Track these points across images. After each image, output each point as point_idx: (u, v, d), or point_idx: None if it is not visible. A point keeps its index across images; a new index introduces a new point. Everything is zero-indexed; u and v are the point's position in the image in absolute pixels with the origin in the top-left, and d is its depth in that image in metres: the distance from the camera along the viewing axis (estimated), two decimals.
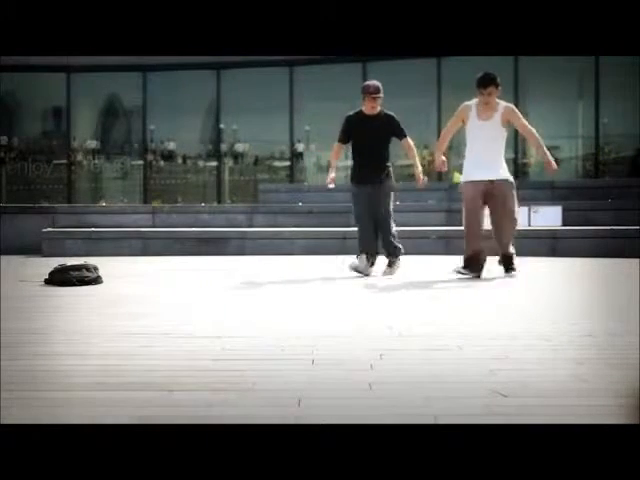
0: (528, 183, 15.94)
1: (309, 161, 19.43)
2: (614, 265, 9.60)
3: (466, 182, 7.83)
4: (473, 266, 7.70)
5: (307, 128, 19.01)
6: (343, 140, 8.45)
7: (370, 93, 8.20)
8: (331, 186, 8.45)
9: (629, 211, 12.37)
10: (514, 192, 7.84)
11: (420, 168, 8.42)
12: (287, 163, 19.42)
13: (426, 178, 8.58)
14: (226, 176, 19.67)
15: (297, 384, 3.21)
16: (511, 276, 7.75)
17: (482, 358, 3.76)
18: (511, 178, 7.96)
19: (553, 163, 7.97)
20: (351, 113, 8.41)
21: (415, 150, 8.43)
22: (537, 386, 3.19)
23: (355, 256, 8.20)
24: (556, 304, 6.09)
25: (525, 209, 12.65)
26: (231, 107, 19.06)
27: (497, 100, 7.83)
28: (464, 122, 7.90)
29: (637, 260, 9.49)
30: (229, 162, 19.70)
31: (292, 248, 11.51)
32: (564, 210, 12.62)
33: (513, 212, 7.85)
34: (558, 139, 17.88)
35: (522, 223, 12.47)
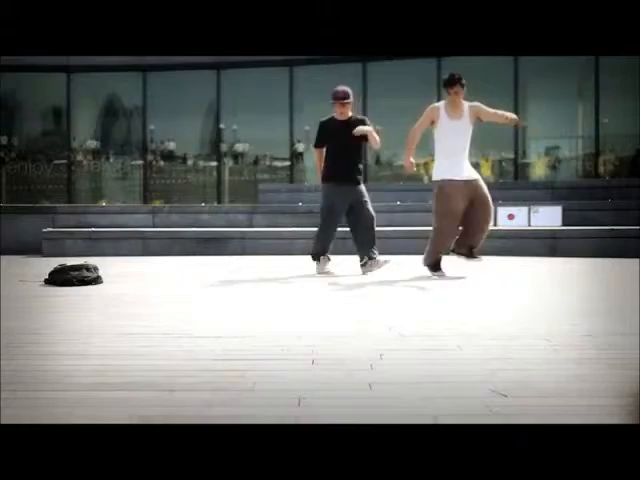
0: (528, 183, 15.95)
1: (309, 161, 19.40)
2: (614, 265, 9.60)
3: (443, 180, 7.92)
4: (437, 266, 8.02)
5: (307, 128, 18.98)
6: (318, 145, 8.61)
7: (338, 99, 8.30)
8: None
9: (629, 211, 12.37)
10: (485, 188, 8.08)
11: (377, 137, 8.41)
12: (287, 163, 19.40)
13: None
14: (226, 176, 19.65)
15: (297, 384, 3.21)
16: (479, 260, 8.10)
17: (482, 358, 3.75)
18: (478, 176, 8.23)
19: (513, 116, 8.31)
20: (324, 119, 8.50)
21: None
22: (537, 386, 3.19)
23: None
24: (556, 304, 6.09)
25: (525, 209, 12.65)
26: (231, 107, 19.04)
27: (462, 101, 8.03)
28: (433, 123, 8.09)
29: (637, 260, 9.48)
30: (229, 162, 19.68)
31: (292, 248, 11.50)
32: (564, 210, 12.62)
33: (491, 207, 8.07)
34: (558, 139, 17.87)
35: (522, 223, 12.52)
